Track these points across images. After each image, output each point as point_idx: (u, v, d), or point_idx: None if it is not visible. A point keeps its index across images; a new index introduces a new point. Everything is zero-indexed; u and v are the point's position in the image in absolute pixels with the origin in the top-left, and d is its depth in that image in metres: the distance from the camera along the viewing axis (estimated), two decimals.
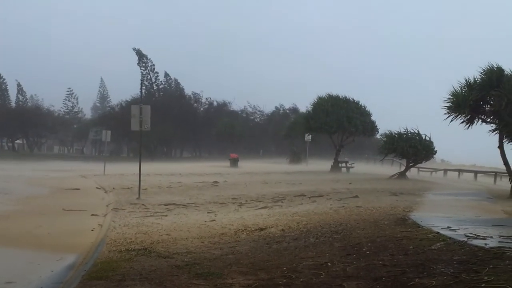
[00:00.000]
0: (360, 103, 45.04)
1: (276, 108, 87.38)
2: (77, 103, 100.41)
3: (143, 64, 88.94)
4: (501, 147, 21.04)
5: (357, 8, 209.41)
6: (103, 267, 7.47)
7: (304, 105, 58.63)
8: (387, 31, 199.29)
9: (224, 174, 35.45)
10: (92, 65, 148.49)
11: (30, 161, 55.49)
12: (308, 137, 49.69)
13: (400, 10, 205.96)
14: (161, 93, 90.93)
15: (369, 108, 45.20)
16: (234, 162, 48.43)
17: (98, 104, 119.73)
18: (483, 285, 5.21)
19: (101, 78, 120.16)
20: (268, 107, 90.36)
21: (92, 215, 14.55)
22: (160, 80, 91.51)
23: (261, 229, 11.01)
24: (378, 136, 45.79)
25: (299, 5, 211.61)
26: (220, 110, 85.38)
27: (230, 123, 75.34)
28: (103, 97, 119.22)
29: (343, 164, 44.01)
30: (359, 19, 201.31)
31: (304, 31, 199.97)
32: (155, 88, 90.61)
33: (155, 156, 69.38)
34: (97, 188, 23.91)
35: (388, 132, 34.71)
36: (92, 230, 11.98)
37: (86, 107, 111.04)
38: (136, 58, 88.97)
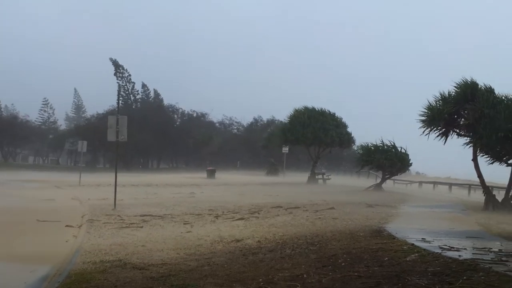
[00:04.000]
0: (336, 115, 45.45)
1: (254, 119, 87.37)
2: (53, 113, 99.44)
3: (120, 74, 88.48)
4: (475, 160, 21.29)
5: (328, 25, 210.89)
6: (77, 279, 7.39)
7: (282, 117, 58.90)
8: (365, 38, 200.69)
9: (201, 185, 35.32)
10: (67, 75, 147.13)
11: (4, 171, 54.63)
12: (285, 149, 49.84)
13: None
14: (138, 103, 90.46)
15: (346, 120, 45.65)
16: (211, 174, 48.27)
17: (73, 115, 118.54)
18: None
19: (75, 89, 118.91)
20: (246, 119, 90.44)
21: (67, 226, 14.36)
22: (138, 90, 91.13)
23: (237, 241, 10.99)
24: (354, 147, 46.16)
25: (281, 17, 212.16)
26: (198, 121, 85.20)
27: (208, 134, 75.19)
28: (78, 107, 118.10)
29: (320, 176, 44.23)
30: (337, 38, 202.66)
31: (284, 43, 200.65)
32: (132, 98, 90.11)
33: (131, 167, 68.89)
34: (72, 199, 23.63)
35: (364, 144, 35.00)
36: (66, 241, 11.83)
37: (61, 117, 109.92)
38: (113, 68, 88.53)
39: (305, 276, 6.83)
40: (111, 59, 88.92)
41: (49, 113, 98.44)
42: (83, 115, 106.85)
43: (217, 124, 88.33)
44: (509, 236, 11.61)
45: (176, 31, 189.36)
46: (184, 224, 14.70)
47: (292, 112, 45.27)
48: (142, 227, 14.07)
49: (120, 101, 75.28)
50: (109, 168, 67.58)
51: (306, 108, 45.05)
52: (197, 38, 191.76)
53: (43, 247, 11.23)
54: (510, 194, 21.08)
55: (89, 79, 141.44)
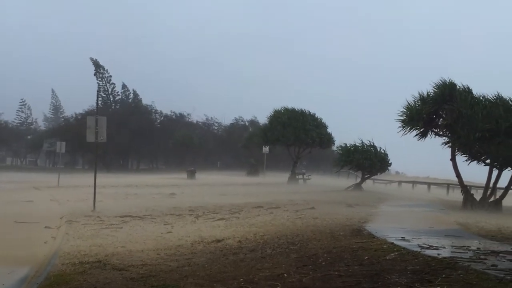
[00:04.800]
0: (316, 115, 45.63)
1: (235, 119, 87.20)
2: (31, 114, 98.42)
3: (100, 74, 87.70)
4: (453, 159, 21.52)
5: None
6: (56, 280, 7.32)
7: (264, 118, 59.12)
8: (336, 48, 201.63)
9: (181, 185, 35.18)
10: (45, 76, 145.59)
11: None
12: (265, 149, 49.93)
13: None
14: (118, 104, 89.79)
15: (327, 120, 45.86)
16: (191, 174, 48.12)
17: (51, 116, 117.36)
18: None
19: (52, 90, 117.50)
20: (227, 119, 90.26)
21: (46, 227, 14.20)
22: (118, 91, 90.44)
23: (218, 241, 10.98)
24: (334, 148, 46.38)
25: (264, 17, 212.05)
26: (178, 122, 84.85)
27: (188, 135, 74.92)
28: (56, 108, 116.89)
29: (300, 176, 44.39)
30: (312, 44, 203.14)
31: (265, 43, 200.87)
32: (111, 99, 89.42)
33: (111, 168, 68.37)
34: (51, 200, 23.40)
35: (344, 145, 35.19)
36: (45, 242, 11.71)
37: (40, 118, 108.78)
38: (93, 68, 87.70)
39: (285, 275, 6.84)
40: (91, 59, 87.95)
41: (27, 114, 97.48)
42: (61, 116, 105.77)
43: (200, 124, 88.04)
44: (487, 235, 11.75)
45: (156, 30, 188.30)
46: (165, 224, 14.64)
47: (272, 113, 45.41)
48: (122, 228, 13.98)
49: (100, 102, 74.91)
50: (88, 169, 67.06)
51: (286, 109, 45.21)
52: (180, 39, 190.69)
53: (22, 249, 11.10)
54: (488, 193, 21.37)
55: (67, 79, 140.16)
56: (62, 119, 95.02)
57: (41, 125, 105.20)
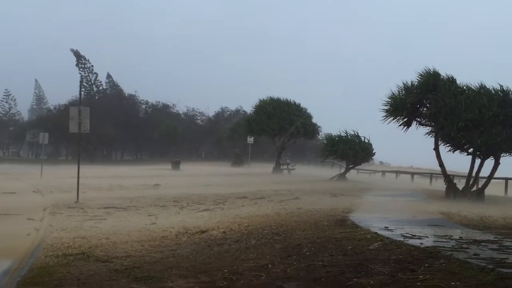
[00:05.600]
0: (301, 105, 45.62)
1: (221, 109, 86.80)
2: (15, 105, 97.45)
3: (82, 65, 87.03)
4: (436, 149, 21.65)
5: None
6: (39, 273, 7.28)
7: (249, 107, 59.09)
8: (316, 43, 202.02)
9: (165, 176, 35.06)
10: (28, 66, 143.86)
11: None
12: (250, 140, 49.91)
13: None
14: (101, 94, 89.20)
15: (310, 110, 45.86)
16: (175, 165, 48.00)
17: (34, 106, 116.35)
18: (418, 283, 5.35)
19: (36, 80, 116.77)
20: (211, 110, 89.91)
21: (28, 219, 14.10)
22: (101, 81, 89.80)
23: (202, 232, 10.97)
24: (319, 138, 46.48)
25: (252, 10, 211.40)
26: (163, 113, 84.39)
27: (173, 125, 74.65)
28: (39, 98, 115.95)
29: (285, 166, 44.44)
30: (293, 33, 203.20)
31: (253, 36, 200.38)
32: (95, 89, 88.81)
33: (95, 159, 68.00)
34: (34, 191, 23.23)
35: (328, 135, 35.29)
36: (28, 234, 11.61)
37: (23, 109, 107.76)
38: (75, 59, 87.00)
39: (270, 266, 6.86)
40: (72, 50, 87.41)
41: (10, 104, 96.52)
42: (44, 107, 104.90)
43: (182, 116, 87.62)
44: (469, 224, 11.86)
45: (141, 20, 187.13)
46: (149, 215, 14.61)
47: (258, 103, 45.29)
48: (105, 219, 13.91)
49: (83, 92, 74.24)
50: (71, 160, 66.57)
51: (271, 99, 45.11)
52: (164, 31, 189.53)
53: (4, 241, 11.00)
54: (471, 183, 21.54)
55: (50, 69, 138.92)
56: (46, 110, 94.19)
57: (25, 116, 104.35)
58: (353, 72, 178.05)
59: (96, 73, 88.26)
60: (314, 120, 45.59)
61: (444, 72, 21.54)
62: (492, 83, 21.02)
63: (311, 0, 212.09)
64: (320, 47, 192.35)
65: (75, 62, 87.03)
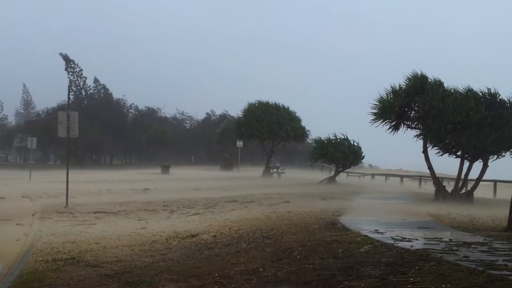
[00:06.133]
0: (290, 109, 45.68)
1: (208, 114, 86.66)
2: (2, 109, 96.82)
3: (71, 69, 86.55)
4: (425, 152, 21.75)
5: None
6: (29, 278, 7.23)
7: (236, 112, 59.01)
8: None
9: (155, 180, 34.95)
10: (16, 70, 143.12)
11: None
12: (239, 143, 49.87)
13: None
14: (90, 99, 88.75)
15: (299, 114, 45.91)
16: (165, 169, 47.89)
17: (22, 111, 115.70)
18: (409, 286, 5.36)
19: (24, 84, 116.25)
20: (200, 114, 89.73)
21: (17, 224, 14.01)
22: (90, 86, 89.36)
23: (193, 236, 10.96)
24: (308, 141, 46.51)
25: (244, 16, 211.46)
26: (151, 117, 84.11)
27: (161, 129, 74.43)
28: (27, 103, 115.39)
29: (274, 170, 44.43)
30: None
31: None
32: (83, 94, 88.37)
33: (84, 163, 67.66)
34: (22, 196, 23.06)
35: (317, 138, 35.37)
36: (17, 240, 11.54)
37: (10, 113, 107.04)
38: (63, 63, 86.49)
39: (260, 269, 6.85)
40: (61, 54, 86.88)
41: None
42: (32, 111, 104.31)
43: (171, 119, 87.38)
44: (459, 226, 11.93)
45: (128, 23, 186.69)
46: (139, 220, 14.57)
47: (247, 106, 45.29)
48: (95, 224, 13.86)
49: (71, 96, 73.83)
50: (60, 165, 66.17)
51: (260, 103, 45.13)
52: (152, 35, 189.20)
53: None
54: (460, 185, 21.66)
55: (38, 74, 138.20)
56: (34, 114, 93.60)
57: (12, 120, 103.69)
58: (342, 76, 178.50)
59: (85, 77, 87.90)
60: (303, 124, 45.71)
61: (431, 74, 21.71)
62: (478, 86, 21.24)
63: (300, 2, 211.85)
64: (311, 50, 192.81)
65: (64, 67, 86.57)
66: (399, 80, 22.31)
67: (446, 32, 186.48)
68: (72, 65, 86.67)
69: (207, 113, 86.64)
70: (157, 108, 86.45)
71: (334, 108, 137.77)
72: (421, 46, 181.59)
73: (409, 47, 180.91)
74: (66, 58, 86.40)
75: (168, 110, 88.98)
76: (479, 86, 21.21)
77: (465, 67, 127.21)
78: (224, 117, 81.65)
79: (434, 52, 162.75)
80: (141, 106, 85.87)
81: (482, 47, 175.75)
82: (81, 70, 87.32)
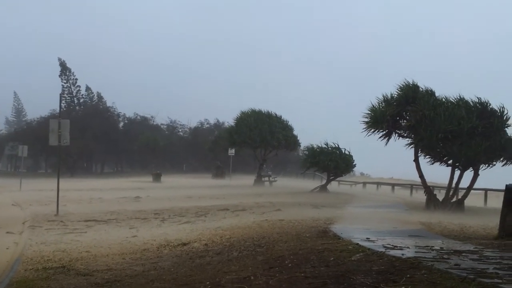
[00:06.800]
0: (282, 117, 45.75)
1: (200, 122, 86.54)
2: None
3: (65, 76, 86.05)
4: (416, 160, 21.83)
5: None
6: (19, 287, 7.19)
7: (228, 120, 58.91)
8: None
9: (146, 189, 34.83)
10: (7, 79, 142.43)
11: None
12: (231, 152, 49.81)
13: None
14: (82, 107, 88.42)
15: (291, 123, 45.97)
16: (156, 177, 47.75)
17: (13, 119, 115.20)
18: None
19: (15, 92, 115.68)
20: (192, 122, 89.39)
21: (8, 232, 13.93)
22: (82, 94, 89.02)
23: (184, 244, 10.92)
24: (300, 150, 46.52)
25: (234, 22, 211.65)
26: (142, 125, 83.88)
27: (153, 137, 74.24)
28: (18, 111, 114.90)
29: (266, 178, 44.41)
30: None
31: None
32: (75, 102, 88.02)
33: (75, 171, 67.33)
34: (13, 204, 22.95)
35: (309, 146, 35.42)
36: (7, 248, 11.47)
37: (0, 121, 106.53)
38: (59, 69, 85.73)
39: (252, 278, 6.84)
40: (59, 59, 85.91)
41: None
42: (23, 119, 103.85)
43: (163, 128, 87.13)
44: (450, 234, 11.96)
45: (120, 31, 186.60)
46: (130, 228, 14.51)
47: (239, 115, 45.33)
48: (86, 232, 13.80)
49: (63, 105, 73.55)
50: (51, 173, 65.87)
51: (253, 111, 45.18)
52: (144, 42, 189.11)
53: None
54: (450, 194, 21.74)
55: (29, 82, 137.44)
56: (25, 122, 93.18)
57: (3, 128, 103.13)
58: (333, 84, 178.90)
59: (79, 86, 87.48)
60: (295, 132, 45.77)
61: (423, 84, 21.83)
62: (469, 95, 21.36)
63: (283, 10, 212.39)
64: (305, 56, 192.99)
65: (59, 73, 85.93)
66: (391, 89, 22.41)
67: (438, 41, 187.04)
68: (68, 73, 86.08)
69: (199, 121, 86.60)
70: (151, 116, 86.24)
71: (326, 116, 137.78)
72: (414, 54, 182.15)
73: (402, 55, 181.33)
74: (62, 65, 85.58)
75: (160, 119, 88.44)
76: (470, 95, 21.35)
77: (459, 76, 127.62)
78: (217, 126, 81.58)
79: (425, 60, 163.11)
80: (133, 115, 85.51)
81: (473, 56, 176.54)
82: (76, 78, 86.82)
